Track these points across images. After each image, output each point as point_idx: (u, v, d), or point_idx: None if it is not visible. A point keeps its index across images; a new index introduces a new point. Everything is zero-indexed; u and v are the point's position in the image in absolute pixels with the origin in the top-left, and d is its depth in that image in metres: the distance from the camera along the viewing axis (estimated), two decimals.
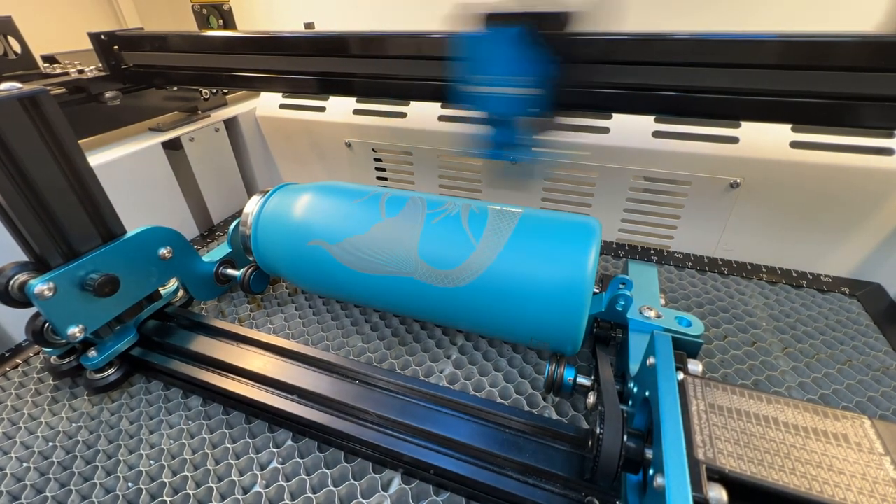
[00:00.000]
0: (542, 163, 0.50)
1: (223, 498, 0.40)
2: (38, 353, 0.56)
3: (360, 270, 0.50)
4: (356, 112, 0.82)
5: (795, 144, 0.60)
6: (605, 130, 0.68)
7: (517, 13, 0.41)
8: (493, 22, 0.42)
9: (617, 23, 0.43)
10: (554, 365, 0.44)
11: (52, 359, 0.51)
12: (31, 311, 0.45)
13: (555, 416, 0.45)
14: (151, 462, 0.43)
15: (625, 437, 0.33)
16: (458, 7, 0.43)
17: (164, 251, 0.52)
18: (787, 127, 0.61)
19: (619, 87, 0.46)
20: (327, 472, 0.41)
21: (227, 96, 0.93)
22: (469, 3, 0.43)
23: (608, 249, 0.74)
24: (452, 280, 0.46)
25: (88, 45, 0.67)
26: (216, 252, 0.64)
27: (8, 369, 0.54)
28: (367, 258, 0.49)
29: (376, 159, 0.85)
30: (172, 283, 0.61)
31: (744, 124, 0.63)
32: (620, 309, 0.47)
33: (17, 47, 0.70)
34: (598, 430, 0.34)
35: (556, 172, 0.73)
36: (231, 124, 0.88)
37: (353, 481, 0.40)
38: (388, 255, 0.49)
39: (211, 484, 0.41)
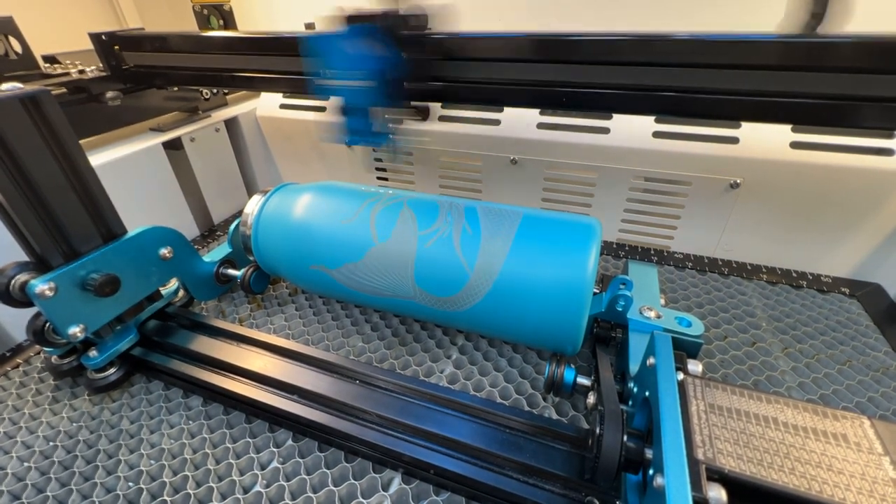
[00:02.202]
0: (395, 147, 0.57)
1: (223, 498, 0.40)
2: (38, 353, 0.56)
3: (360, 292, 0.52)
4: None
5: (795, 145, 0.60)
6: (606, 130, 0.68)
7: (370, 14, 0.48)
8: (350, 21, 0.48)
9: (453, 24, 0.52)
10: (554, 365, 0.44)
11: (53, 358, 0.51)
12: (32, 310, 0.45)
13: (555, 416, 0.45)
14: (152, 462, 0.43)
15: (625, 437, 0.33)
16: (334, 9, 0.49)
17: (164, 251, 0.52)
18: (787, 127, 0.61)
19: (620, 88, 0.46)
20: (327, 471, 0.41)
21: (227, 96, 0.93)
22: (342, 5, 0.49)
23: (608, 249, 0.74)
24: (453, 304, 0.47)
25: (89, 45, 0.67)
26: (216, 252, 0.64)
27: (9, 369, 0.54)
28: (366, 283, 0.50)
29: (376, 159, 0.86)
30: (173, 283, 0.61)
31: (744, 124, 0.63)
32: (620, 309, 0.47)
33: (17, 47, 0.70)
34: (598, 430, 0.34)
35: (555, 172, 0.73)
36: (231, 124, 0.88)
37: (353, 481, 0.40)
38: (385, 281, 0.49)
39: (211, 483, 0.41)
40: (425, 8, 0.52)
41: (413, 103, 0.56)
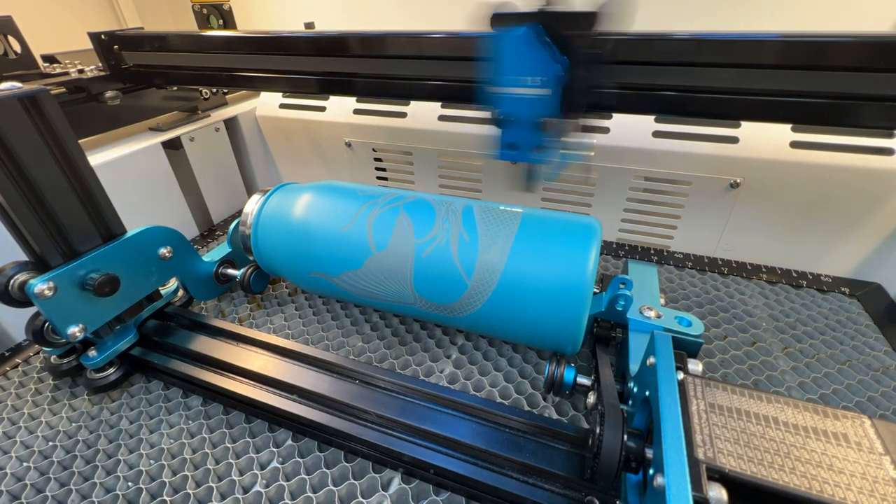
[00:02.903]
0: (558, 164, 0.49)
1: (223, 497, 0.40)
2: (38, 353, 0.56)
3: (362, 297, 0.52)
4: (356, 112, 0.82)
5: (795, 144, 0.60)
6: (606, 130, 0.68)
7: (525, 13, 0.41)
8: (502, 22, 0.42)
9: (625, 23, 0.42)
10: (554, 365, 0.44)
11: (52, 358, 0.51)
12: (32, 310, 0.45)
13: (555, 416, 0.45)
14: (151, 461, 0.43)
15: (625, 437, 0.33)
16: (480, 6, 0.42)
17: (164, 251, 0.52)
18: (787, 127, 0.61)
19: (620, 87, 0.46)
20: (327, 471, 0.41)
21: (227, 96, 0.93)
22: (490, 1, 0.42)
23: (608, 249, 0.74)
24: (453, 311, 0.48)
25: (88, 44, 0.67)
26: (216, 252, 0.64)
27: (8, 369, 0.54)
28: (367, 289, 0.51)
29: (376, 159, 0.85)
30: (172, 283, 0.61)
31: (744, 124, 0.63)
32: (620, 309, 0.47)
33: (17, 47, 0.70)
34: (598, 430, 0.34)
35: (558, 173, 0.73)
36: (231, 124, 0.88)
37: (353, 481, 0.40)
38: (385, 288, 0.49)
39: (211, 483, 0.41)
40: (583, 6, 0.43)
41: (587, 114, 0.48)
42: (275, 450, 0.43)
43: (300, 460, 0.42)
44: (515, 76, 0.44)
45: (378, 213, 0.50)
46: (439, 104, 0.76)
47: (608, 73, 0.45)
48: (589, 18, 0.41)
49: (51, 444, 0.45)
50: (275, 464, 0.42)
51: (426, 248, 0.47)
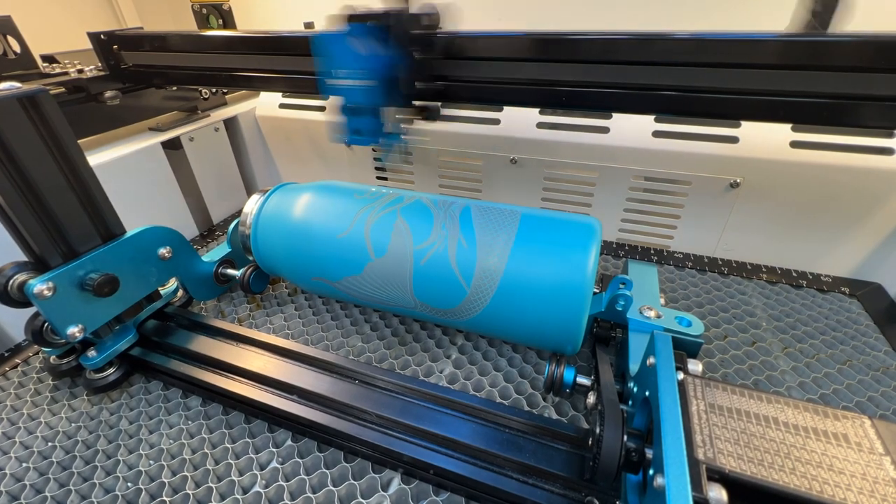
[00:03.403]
0: (398, 147, 0.56)
1: (223, 498, 0.40)
2: (37, 353, 0.56)
3: (363, 300, 0.53)
4: None
5: (795, 144, 0.60)
6: (605, 130, 0.68)
7: (372, 13, 0.47)
8: (352, 21, 0.47)
9: (457, 22, 0.52)
10: (554, 365, 0.44)
11: (52, 358, 0.51)
12: (31, 310, 0.45)
13: (555, 416, 0.45)
14: (151, 462, 0.43)
15: (625, 437, 0.33)
16: (341, 8, 0.48)
17: (163, 251, 0.52)
18: (787, 127, 0.61)
19: (619, 87, 0.46)
20: (327, 471, 0.41)
21: (226, 96, 0.93)
22: (352, 4, 0.49)
23: (608, 249, 0.74)
24: (453, 315, 0.48)
25: (88, 44, 0.67)
26: (216, 252, 0.64)
27: (7, 369, 0.54)
28: (368, 294, 0.51)
29: (376, 159, 0.85)
30: (172, 283, 0.61)
31: (744, 124, 0.63)
32: (620, 309, 0.47)
33: (16, 47, 0.70)
34: (598, 430, 0.34)
35: (555, 172, 0.73)
36: (231, 124, 0.88)
37: (352, 481, 0.40)
38: (386, 293, 0.50)
39: (210, 484, 0.40)
40: (436, 7, 0.51)
41: (418, 103, 0.55)
42: (274, 450, 0.43)
43: (300, 461, 0.42)
44: (348, 69, 0.50)
45: (375, 217, 0.49)
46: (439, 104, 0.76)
47: (444, 68, 0.51)
48: (410, 19, 0.48)
49: (50, 444, 0.45)
50: (274, 464, 0.42)
51: (424, 255, 0.46)
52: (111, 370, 0.50)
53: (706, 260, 0.70)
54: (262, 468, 0.42)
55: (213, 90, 0.88)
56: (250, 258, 0.58)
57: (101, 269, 0.45)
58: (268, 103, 0.90)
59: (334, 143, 0.58)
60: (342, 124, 0.54)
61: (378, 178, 0.88)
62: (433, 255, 0.46)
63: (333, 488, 0.39)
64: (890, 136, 0.58)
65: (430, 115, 0.56)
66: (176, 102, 0.83)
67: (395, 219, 0.49)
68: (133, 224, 0.51)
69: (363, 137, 0.54)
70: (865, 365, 0.51)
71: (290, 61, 0.59)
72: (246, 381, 0.48)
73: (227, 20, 0.91)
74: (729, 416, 0.30)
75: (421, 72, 0.52)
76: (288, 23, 1.12)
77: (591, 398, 0.41)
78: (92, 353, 0.49)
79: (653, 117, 0.66)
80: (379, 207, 0.50)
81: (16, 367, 0.54)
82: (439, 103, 0.58)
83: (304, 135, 0.88)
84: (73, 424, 0.47)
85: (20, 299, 0.42)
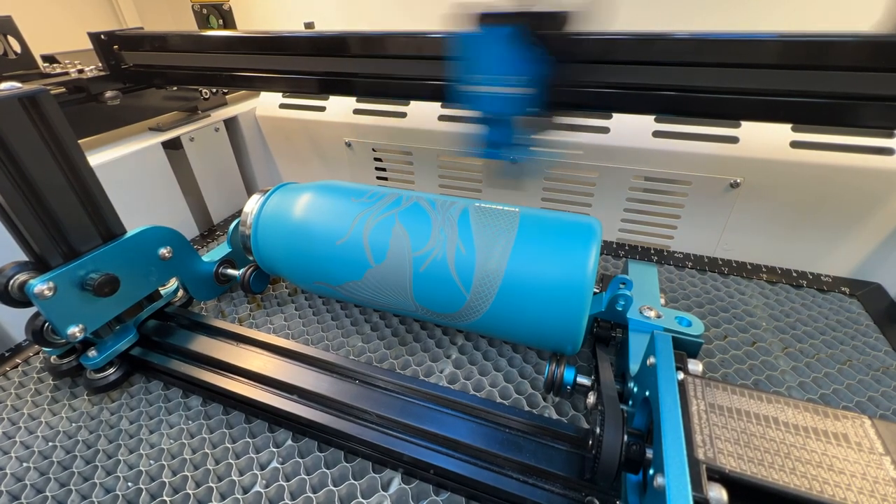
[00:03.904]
0: (539, 162, 0.50)
1: (223, 498, 0.40)
2: (37, 353, 0.56)
3: (365, 303, 0.53)
4: (356, 112, 0.82)
5: (795, 144, 0.60)
6: (605, 130, 0.68)
7: (510, 13, 0.42)
8: (487, 21, 0.42)
9: (609, 22, 0.44)
10: (554, 365, 0.44)
11: (52, 358, 0.51)
12: (31, 310, 0.45)
13: (555, 416, 0.45)
14: (151, 462, 0.43)
15: (625, 437, 0.33)
16: (456, 6, 0.43)
17: (163, 251, 0.52)
18: (787, 127, 0.61)
19: (619, 87, 0.46)
20: (327, 471, 0.41)
21: (226, 96, 0.93)
22: (466, 2, 0.43)
23: (608, 249, 0.74)
24: (454, 318, 0.48)
25: (88, 44, 0.67)
26: (216, 252, 0.64)
27: (8, 369, 0.54)
28: (369, 298, 0.51)
29: (376, 159, 0.85)
30: (172, 283, 0.61)
31: (744, 124, 0.63)
32: (620, 309, 0.47)
33: (16, 47, 0.70)
34: (597, 430, 0.34)
35: (555, 172, 0.73)
36: (231, 124, 0.88)
37: (353, 481, 0.40)
38: (387, 297, 0.50)
39: (211, 484, 0.41)
40: (566, 6, 0.44)
41: (559, 113, 0.49)
42: (275, 450, 0.43)
43: (300, 460, 0.42)
44: (498, 75, 0.44)
45: (374, 223, 0.49)
46: (439, 104, 0.76)
47: (588, 73, 0.46)
48: (566, 18, 0.42)
49: (50, 444, 0.45)
50: (275, 464, 0.42)
51: (423, 262, 0.46)
52: (111, 370, 0.50)
53: (706, 260, 0.70)
54: (262, 468, 0.42)
55: (214, 90, 0.88)
56: (250, 258, 0.58)
57: (102, 269, 0.45)
58: (268, 103, 0.90)
59: (465, 156, 0.52)
60: (480, 136, 0.49)
61: (378, 178, 0.88)
62: (432, 262, 0.46)
63: (334, 488, 0.39)
64: (890, 136, 0.58)
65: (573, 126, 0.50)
66: (176, 102, 0.83)
67: (393, 223, 0.49)
68: (133, 224, 0.51)
69: (500, 151, 0.49)
70: (865, 365, 0.51)
71: (290, 61, 0.59)
72: (246, 380, 0.48)
73: (227, 20, 0.91)
74: (729, 416, 0.30)
75: (564, 77, 0.45)
76: (288, 23, 1.12)
77: (592, 398, 0.41)
78: (92, 352, 0.49)
79: (653, 117, 0.66)
80: (377, 212, 0.50)
81: (16, 367, 0.54)
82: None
83: (304, 135, 0.88)
84: (73, 424, 0.47)
85: (21, 299, 0.42)
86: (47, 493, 0.40)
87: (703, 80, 0.43)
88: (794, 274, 0.67)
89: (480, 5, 0.43)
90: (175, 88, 0.81)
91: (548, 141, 0.49)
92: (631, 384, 0.40)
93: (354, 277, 0.50)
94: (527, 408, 0.46)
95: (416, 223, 0.48)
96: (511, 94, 0.44)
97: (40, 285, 0.40)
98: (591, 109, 0.50)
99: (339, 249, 0.49)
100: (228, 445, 0.44)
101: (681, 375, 0.33)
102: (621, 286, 0.47)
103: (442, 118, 0.75)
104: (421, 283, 0.47)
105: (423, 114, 0.76)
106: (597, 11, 0.43)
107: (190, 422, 0.47)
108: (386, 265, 0.48)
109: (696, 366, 0.36)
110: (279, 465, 0.42)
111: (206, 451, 0.43)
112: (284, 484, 0.40)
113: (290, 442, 0.44)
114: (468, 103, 0.47)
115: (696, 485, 0.26)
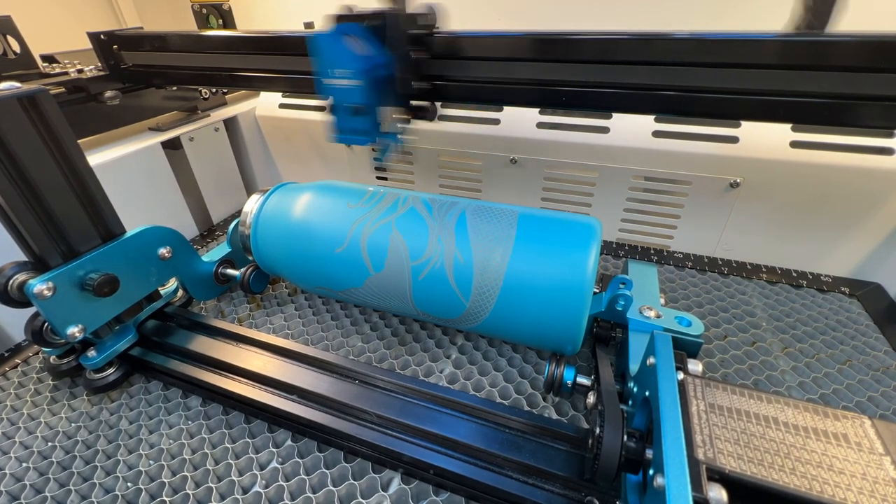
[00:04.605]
0: (389, 146, 0.58)
1: (223, 498, 0.40)
2: (37, 353, 0.56)
3: (366, 306, 0.54)
4: None
5: (795, 144, 0.60)
6: (605, 130, 0.68)
7: (365, 13, 0.48)
8: (344, 20, 0.48)
9: (445, 23, 0.52)
10: (554, 365, 0.44)
11: (52, 359, 0.51)
12: (31, 310, 0.45)
13: (555, 416, 0.45)
14: (151, 462, 0.43)
15: (625, 437, 0.33)
16: (338, 7, 0.49)
17: (163, 251, 0.52)
18: (787, 127, 0.61)
19: (620, 87, 0.46)
20: (327, 471, 0.41)
21: (226, 96, 0.93)
22: (348, 4, 0.50)
23: (608, 249, 0.74)
24: (455, 323, 0.49)
25: (88, 44, 0.67)
26: (216, 252, 0.64)
27: (7, 369, 0.54)
28: (371, 302, 0.52)
29: (376, 159, 0.85)
30: (172, 283, 0.61)
31: (744, 124, 0.63)
32: (620, 309, 0.47)
33: (16, 47, 0.70)
34: (597, 430, 0.34)
35: (555, 172, 0.73)
36: (231, 124, 0.88)
37: (352, 481, 0.40)
38: (387, 303, 0.51)
39: (210, 484, 0.40)
40: (433, 7, 0.51)
41: (415, 103, 0.56)
42: (274, 450, 0.43)
43: (300, 460, 0.42)
44: (334, 69, 0.50)
45: (371, 230, 0.49)
46: (439, 104, 0.76)
47: (427, 68, 0.52)
48: (406, 19, 0.49)
49: (50, 444, 0.45)
50: (274, 464, 0.42)
51: (422, 271, 0.46)
52: (111, 370, 0.50)
53: (706, 260, 0.70)
54: (262, 468, 0.42)
55: (213, 90, 0.88)
56: (250, 258, 0.58)
57: (101, 269, 0.45)
58: (268, 103, 0.90)
59: (331, 142, 0.59)
60: (337, 123, 0.55)
61: (378, 178, 0.88)
62: (430, 271, 0.46)
63: (333, 488, 0.39)
64: (890, 136, 0.58)
65: (427, 114, 0.57)
66: (176, 102, 0.83)
67: (390, 231, 0.48)
68: (133, 224, 0.51)
69: (358, 137, 0.54)
70: (865, 365, 0.51)
71: (290, 61, 0.59)
72: (246, 381, 0.48)
73: (227, 20, 0.91)
74: (729, 416, 0.30)
75: (417, 71, 0.52)
76: (288, 23, 1.12)
77: (591, 398, 0.41)
78: (92, 353, 0.49)
79: (653, 117, 0.66)
80: (374, 218, 0.49)
81: (16, 367, 0.54)
82: (438, 103, 0.58)
83: (304, 135, 0.88)
84: (73, 424, 0.47)
85: (20, 299, 0.42)
86: (47, 494, 0.40)
87: (703, 80, 0.43)
88: (794, 274, 0.67)
89: (351, 7, 0.50)
90: (175, 88, 0.81)
91: (400, 129, 0.56)
92: (631, 384, 0.40)
93: (355, 284, 0.50)
94: (527, 408, 0.46)
95: (413, 230, 0.48)
96: (348, 86, 0.51)
97: (40, 285, 0.40)
98: (449, 101, 0.58)
99: (338, 257, 0.50)
100: (228, 445, 0.44)
101: (681, 375, 0.33)
102: (621, 286, 0.47)
103: (442, 118, 0.75)
104: (421, 291, 0.47)
105: None
106: (431, 14, 0.51)
107: (189, 422, 0.46)
108: (385, 273, 0.48)
109: (695, 366, 0.36)
110: (279, 466, 0.42)
111: (206, 451, 0.43)
112: (284, 484, 0.40)
113: (289, 442, 0.44)
114: (324, 93, 0.53)
115: (696, 485, 0.26)
